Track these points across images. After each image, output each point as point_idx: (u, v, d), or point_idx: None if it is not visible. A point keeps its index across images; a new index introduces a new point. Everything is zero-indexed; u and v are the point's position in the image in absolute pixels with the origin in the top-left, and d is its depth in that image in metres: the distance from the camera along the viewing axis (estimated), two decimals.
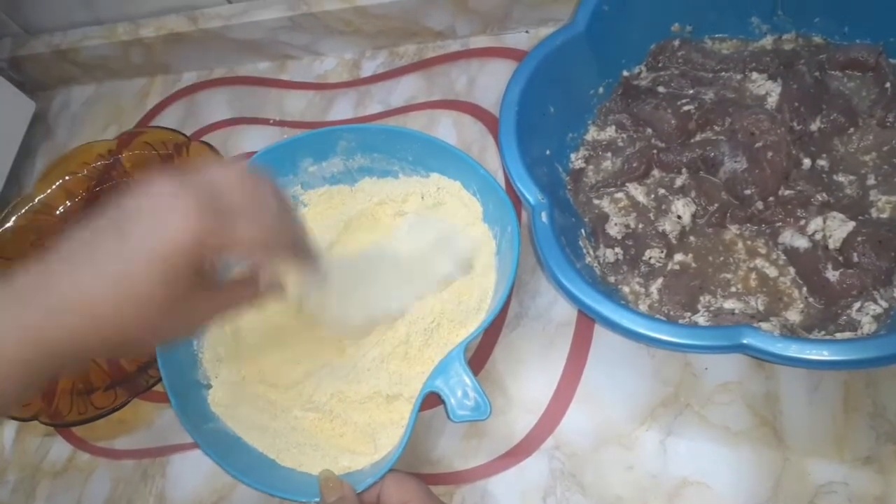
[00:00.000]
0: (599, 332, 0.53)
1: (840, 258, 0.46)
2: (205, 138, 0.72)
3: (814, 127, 0.51)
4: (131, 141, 0.69)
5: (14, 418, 0.60)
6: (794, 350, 0.37)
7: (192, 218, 0.31)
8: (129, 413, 0.58)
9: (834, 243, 0.46)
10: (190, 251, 0.32)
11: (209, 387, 0.53)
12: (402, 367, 0.52)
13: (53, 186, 0.70)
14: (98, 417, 0.56)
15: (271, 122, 0.72)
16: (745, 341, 0.39)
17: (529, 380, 0.53)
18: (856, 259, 0.45)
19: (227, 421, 0.52)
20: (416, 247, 0.54)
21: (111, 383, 0.60)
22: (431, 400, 0.46)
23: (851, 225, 0.46)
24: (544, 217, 0.47)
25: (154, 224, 0.31)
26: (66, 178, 0.70)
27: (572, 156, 0.56)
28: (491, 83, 0.66)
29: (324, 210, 0.60)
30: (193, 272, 0.33)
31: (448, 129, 0.65)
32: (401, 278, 0.53)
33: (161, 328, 0.34)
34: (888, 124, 0.50)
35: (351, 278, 0.52)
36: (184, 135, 0.67)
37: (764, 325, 0.44)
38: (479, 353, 0.54)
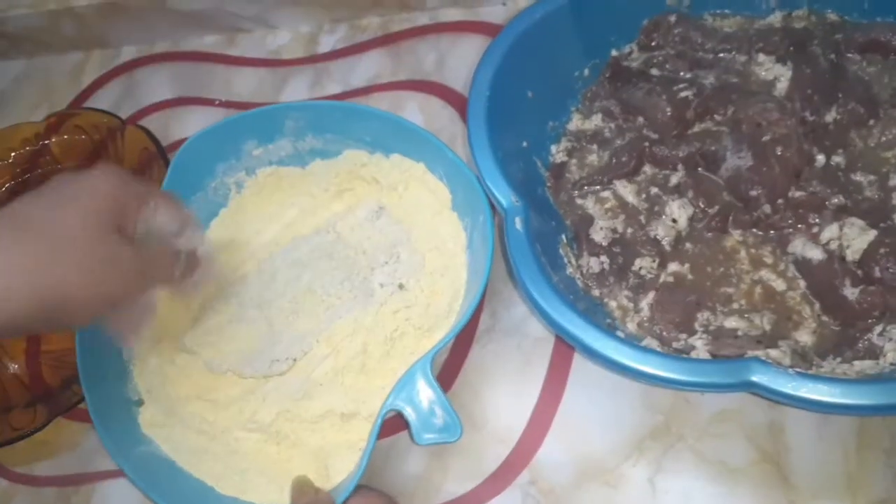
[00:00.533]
0: None
1: (859, 272, 0.44)
2: (144, 121, 0.70)
3: (829, 118, 0.50)
4: (62, 124, 0.67)
5: None
6: (818, 393, 0.35)
7: (103, 178, 0.39)
8: (52, 434, 0.56)
9: (852, 255, 0.45)
10: (111, 201, 0.39)
11: (140, 403, 0.51)
12: (360, 382, 0.50)
13: None
14: (17, 439, 0.53)
15: (217, 102, 0.70)
16: (753, 379, 0.36)
17: (501, 404, 0.51)
18: (878, 274, 0.43)
19: (161, 443, 0.50)
20: (351, 255, 0.54)
21: (31, 400, 0.58)
22: (394, 420, 0.45)
23: (873, 234, 0.44)
24: (519, 224, 0.44)
25: (76, 187, 0.39)
26: None
27: (553, 148, 0.55)
28: (463, 62, 0.64)
29: (270, 194, 0.59)
30: (115, 226, 0.39)
31: (414, 113, 0.63)
32: (314, 296, 0.53)
33: (98, 279, 0.39)
34: None
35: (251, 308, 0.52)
36: (118, 118, 0.65)
37: (772, 353, 0.41)
38: (445, 372, 0.52)
